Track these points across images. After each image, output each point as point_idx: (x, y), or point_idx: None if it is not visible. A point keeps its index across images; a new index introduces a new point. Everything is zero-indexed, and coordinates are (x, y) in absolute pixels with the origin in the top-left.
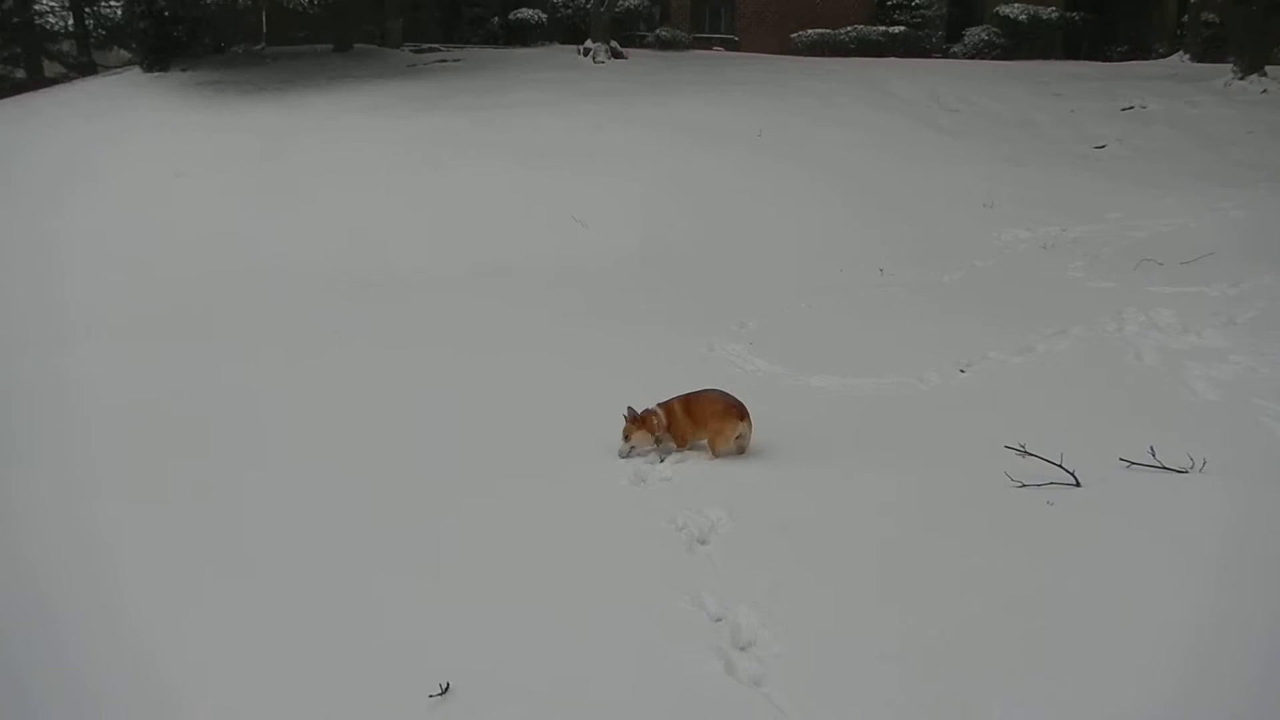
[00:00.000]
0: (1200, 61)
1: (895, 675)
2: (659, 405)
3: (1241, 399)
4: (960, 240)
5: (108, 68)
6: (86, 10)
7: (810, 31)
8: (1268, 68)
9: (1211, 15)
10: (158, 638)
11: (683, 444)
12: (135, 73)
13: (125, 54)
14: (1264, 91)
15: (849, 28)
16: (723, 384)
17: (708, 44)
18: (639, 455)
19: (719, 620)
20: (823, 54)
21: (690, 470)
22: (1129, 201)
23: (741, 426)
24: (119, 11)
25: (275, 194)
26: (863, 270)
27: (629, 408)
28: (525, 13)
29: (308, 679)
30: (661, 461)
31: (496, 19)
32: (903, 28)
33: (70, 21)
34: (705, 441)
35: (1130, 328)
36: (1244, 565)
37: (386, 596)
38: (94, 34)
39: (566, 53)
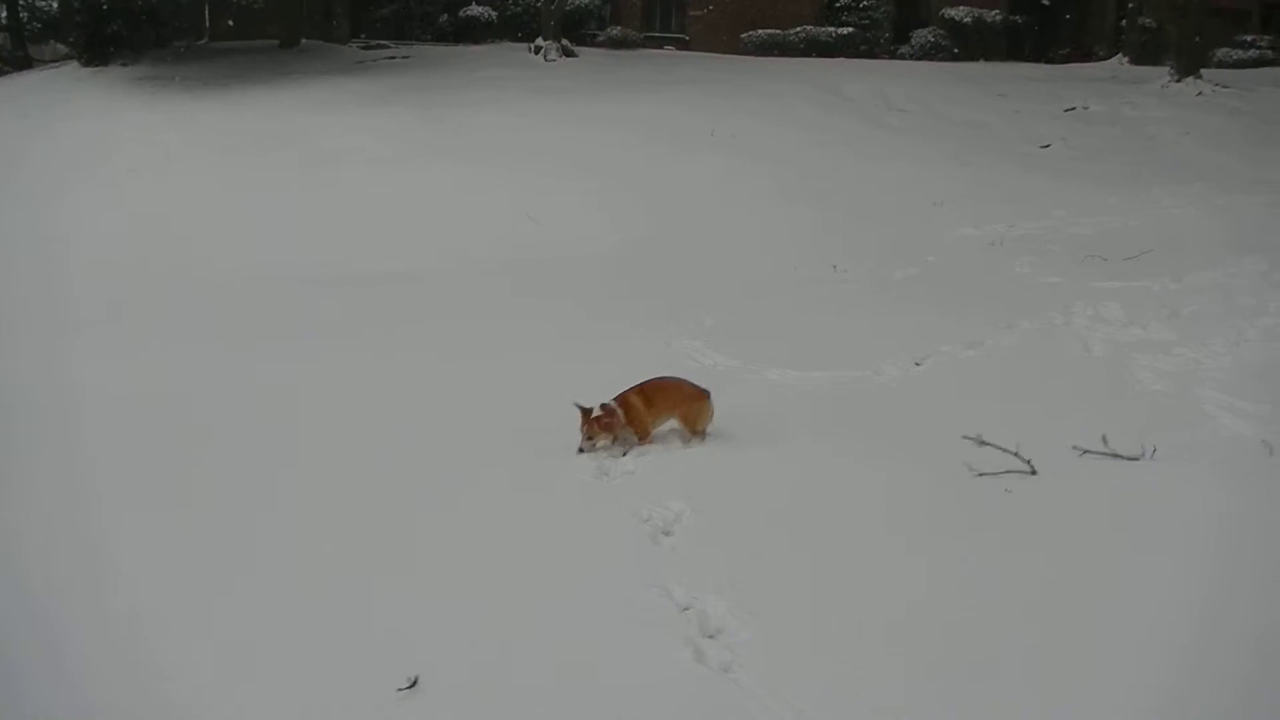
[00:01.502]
0: (1139, 64)
1: (862, 658)
2: (614, 399)
3: (1187, 389)
4: (911, 237)
5: (44, 62)
6: (20, 2)
7: (760, 32)
8: (1203, 71)
9: (1149, 20)
10: (142, 631)
11: (645, 436)
12: (73, 67)
13: (62, 48)
14: (1199, 94)
15: (798, 29)
16: (689, 378)
17: (659, 43)
18: (601, 449)
19: (686, 609)
20: (772, 54)
21: (652, 463)
22: (1073, 199)
23: (711, 406)
24: (54, 4)
25: (219, 191)
26: (817, 266)
27: (578, 406)
28: (475, 10)
29: (279, 674)
30: (624, 455)
31: (445, 16)
32: (851, 29)
33: (4, 14)
34: (677, 427)
35: (1078, 321)
36: (1196, 547)
37: (353, 592)
38: (29, 27)
39: (518, 51)
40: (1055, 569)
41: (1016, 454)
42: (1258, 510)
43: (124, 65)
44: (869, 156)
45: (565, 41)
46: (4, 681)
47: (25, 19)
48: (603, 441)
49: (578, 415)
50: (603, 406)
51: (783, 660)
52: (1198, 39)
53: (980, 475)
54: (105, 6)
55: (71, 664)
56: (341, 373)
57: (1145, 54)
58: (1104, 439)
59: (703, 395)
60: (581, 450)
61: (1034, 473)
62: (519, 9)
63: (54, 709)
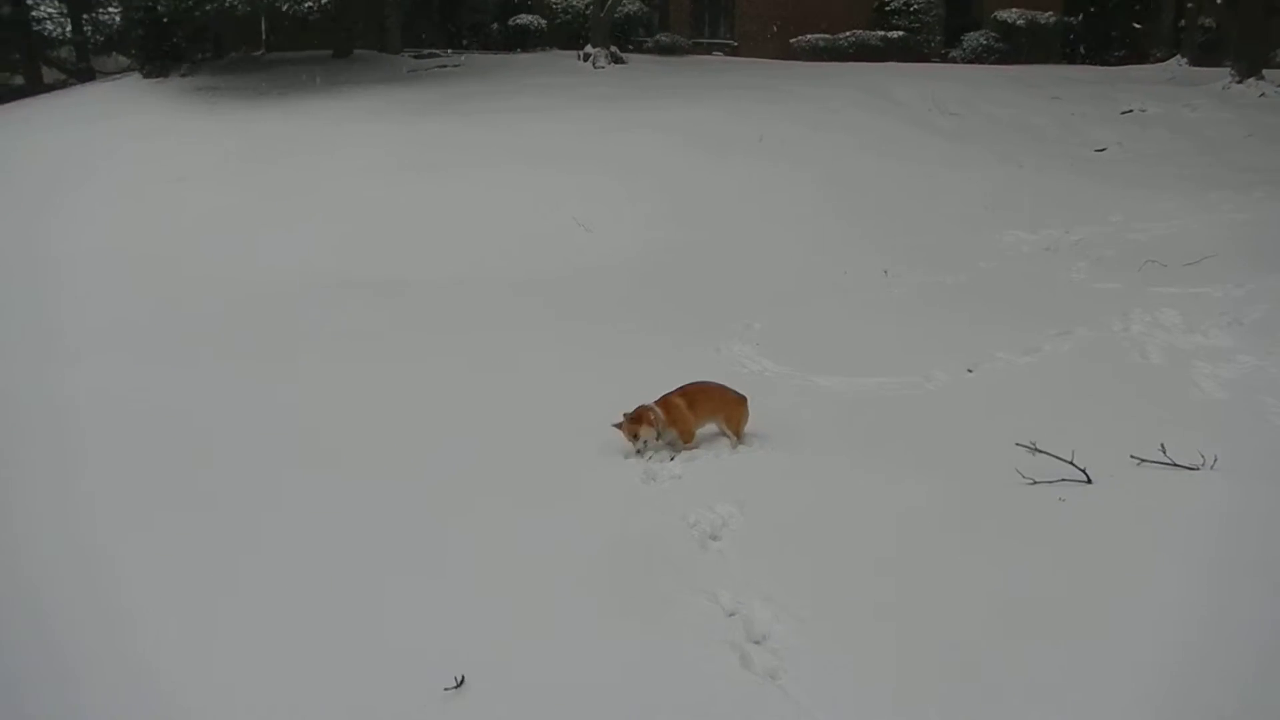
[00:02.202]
0: (1198, 65)
1: (911, 668)
2: (654, 402)
3: (1250, 397)
4: (963, 243)
5: (106, 74)
6: (85, 16)
7: (810, 36)
8: (1265, 71)
9: (1209, 19)
10: (165, 647)
11: (689, 438)
12: (134, 79)
13: (124, 60)
14: (1262, 95)
15: (848, 33)
16: (730, 384)
17: (707, 49)
18: (650, 452)
19: (733, 615)
20: (822, 59)
21: (700, 468)
22: (1130, 204)
23: (748, 410)
24: (117, 18)
25: (276, 199)
26: (866, 273)
27: (616, 425)
28: (525, 19)
29: (325, 677)
30: (671, 460)
31: (496, 25)
32: (901, 32)
33: (69, 28)
34: (720, 429)
35: (1136, 328)
36: (1257, 562)
37: (403, 597)
38: (92, 40)
39: (566, 58)
40: (1108, 580)
41: (1071, 462)
42: None
43: (183, 76)
44: (919, 161)
45: (614, 48)
46: (4, 683)
47: (89, 32)
48: (646, 436)
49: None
50: (641, 408)
51: (829, 667)
52: (1259, 38)
53: (1034, 484)
54: (166, 20)
55: (72, 667)
56: (389, 380)
57: (1204, 55)
58: (1162, 448)
59: (742, 400)
60: (636, 453)
61: (1089, 481)
62: (568, 17)
63: (56, 713)
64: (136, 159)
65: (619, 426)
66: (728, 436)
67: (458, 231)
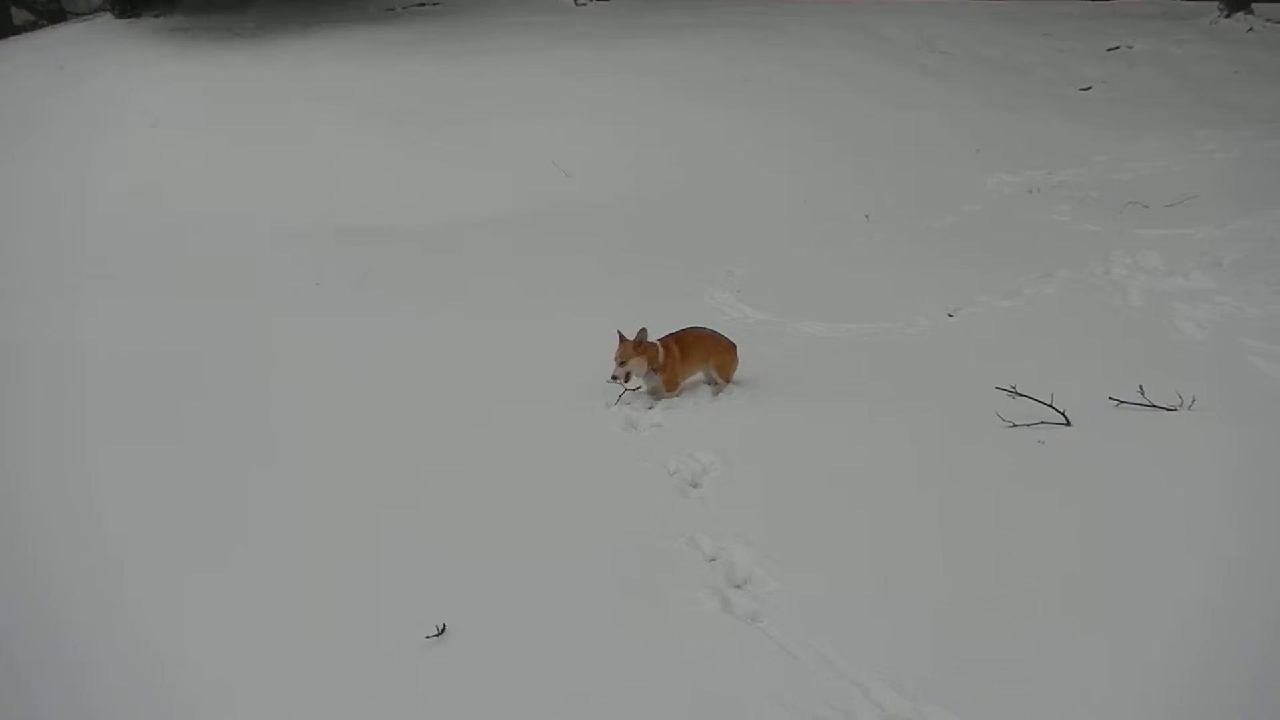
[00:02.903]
0: None
1: (891, 611)
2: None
3: (1229, 339)
4: (947, 185)
5: (78, 14)
6: None
7: None
8: (1254, 4)
9: None
10: (153, 607)
11: (673, 386)
12: (106, 20)
13: (95, 1)
14: (1249, 30)
15: None
16: (718, 329)
17: None
18: (630, 388)
19: (713, 560)
20: None
21: (681, 416)
22: (1114, 144)
23: (737, 357)
24: None
25: (250, 145)
26: (850, 216)
27: (620, 332)
28: None
29: (307, 623)
30: (651, 408)
31: None
32: None
33: None
34: (707, 377)
35: (1117, 270)
36: (1234, 500)
37: (383, 544)
38: None
39: None
40: (1083, 520)
41: (1051, 405)
42: None
43: (156, 17)
44: (905, 102)
45: None
46: None
47: None
48: (634, 366)
49: (615, 343)
50: (646, 342)
51: (810, 611)
52: None
53: (1014, 426)
54: None
55: (63, 628)
56: (368, 327)
57: None
58: (1140, 389)
59: (732, 347)
60: (613, 378)
61: (1068, 424)
62: None
63: (45, 669)
64: (107, 102)
65: (623, 342)
66: (715, 383)
67: (434, 179)
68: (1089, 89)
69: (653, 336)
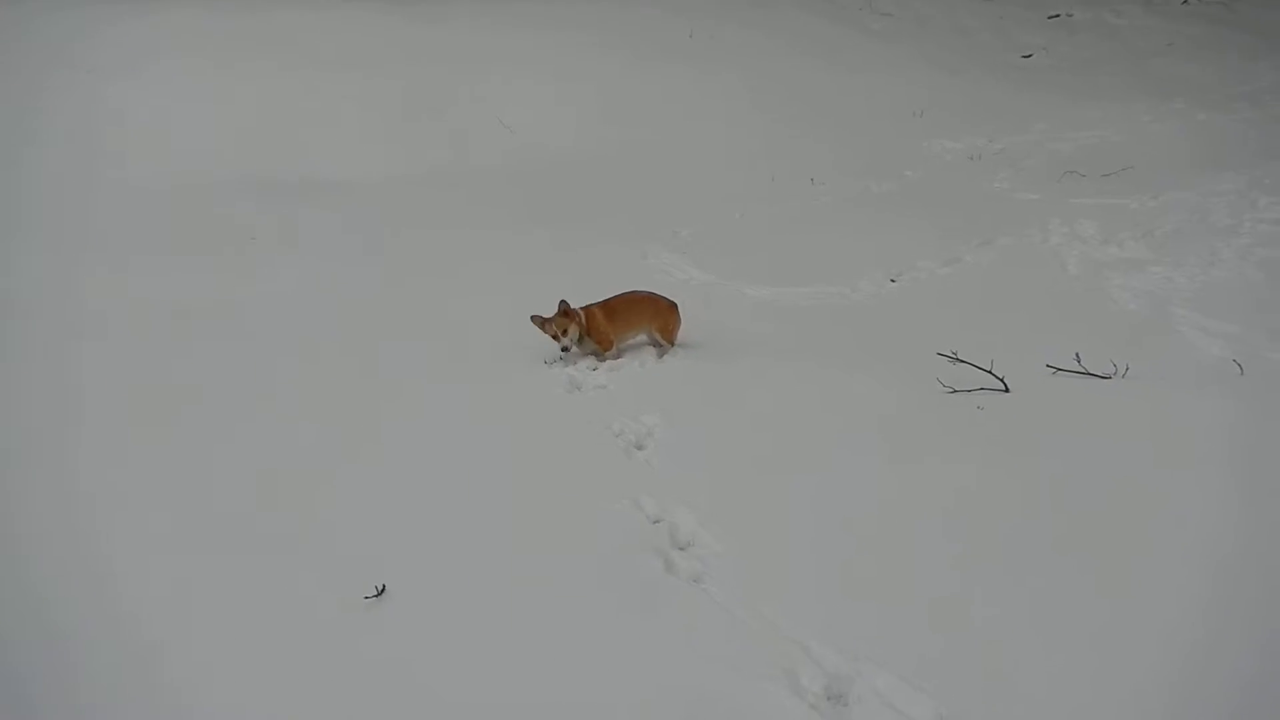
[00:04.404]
0: None
1: (833, 571)
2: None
3: (1160, 308)
4: (890, 150)
5: None
6: None
7: None
8: None
9: None
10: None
11: (607, 345)
12: None
13: None
14: (1185, 2)
15: None
16: (660, 291)
17: None
18: (574, 352)
19: (658, 522)
20: None
21: (625, 378)
22: (1053, 112)
23: (679, 317)
24: None
25: (193, 101)
26: (794, 180)
27: (534, 318)
28: None
29: (243, 584)
30: (594, 370)
31: None
32: None
33: None
34: (652, 339)
35: (1055, 239)
36: (1158, 464)
37: (325, 504)
38: None
39: None
40: (1024, 485)
41: (990, 371)
42: (1226, 428)
43: None
44: (849, 64)
45: None
46: None
47: None
48: (573, 335)
49: (538, 329)
50: (562, 303)
51: (754, 572)
52: None
53: (954, 392)
54: None
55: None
56: (296, 283)
57: None
58: (1077, 357)
59: (674, 306)
60: (564, 351)
61: (1006, 390)
62: None
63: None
64: (45, 49)
65: (541, 322)
66: (660, 345)
67: (375, 130)
68: (1030, 56)
69: (596, 300)
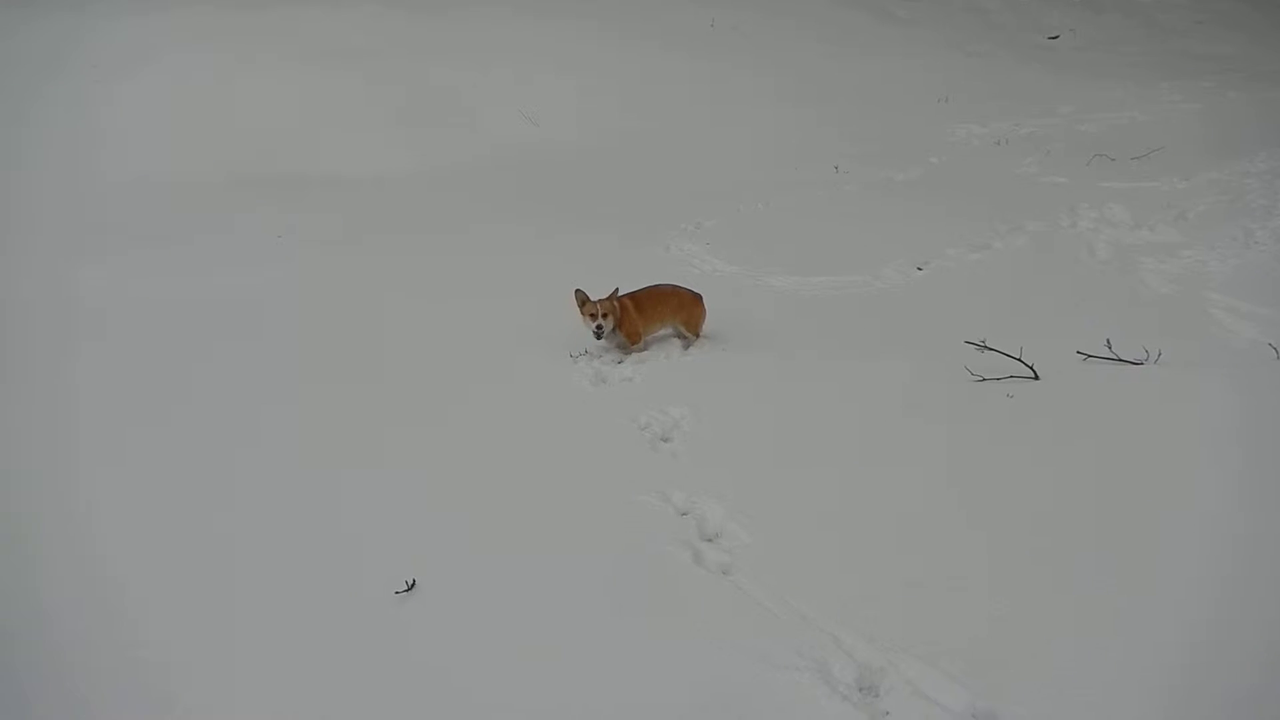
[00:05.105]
0: None
1: (862, 563)
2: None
3: (1193, 292)
4: (915, 136)
5: None
6: None
7: None
8: None
9: None
10: (121, 562)
11: (635, 339)
12: None
13: None
14: None
15: None
16: (682, 283)
17: None
18: (605, 340)
19: (685, 514)
20: None
21: (651, 370)
22: (1080, 94)
23: (704, 309)
24: None
25: (185, 99)
26: (818, 168)
27: (577, 291)
28: None
29: (278, 579)
30: (620, 363)
31: None
32: None
33: None
34: (677, 332)
35: (1084, 223)
36: (1195, 452)
37: (353, 500)
38: None
39: None
40: (1055, 475)
41: (1020, 359)
42: (1261, 415)
43: None
44: (875, 52)
45: None
46: None
47: None
48: (607, 325)
49: (576, 307)
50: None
51: (782, 564)
52: None
53: (983, 380)
54: None
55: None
56: (329, 276)
57: None
58: (1108, 343)
59: (698, 298)
60: (598, 330)
61: (1036, 378)
62: None
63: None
64: (45, 49)
65: (584, 299)
66: (685, 338)
67: (396, 126)
68: (1056, 37)
69: (619, 293)
